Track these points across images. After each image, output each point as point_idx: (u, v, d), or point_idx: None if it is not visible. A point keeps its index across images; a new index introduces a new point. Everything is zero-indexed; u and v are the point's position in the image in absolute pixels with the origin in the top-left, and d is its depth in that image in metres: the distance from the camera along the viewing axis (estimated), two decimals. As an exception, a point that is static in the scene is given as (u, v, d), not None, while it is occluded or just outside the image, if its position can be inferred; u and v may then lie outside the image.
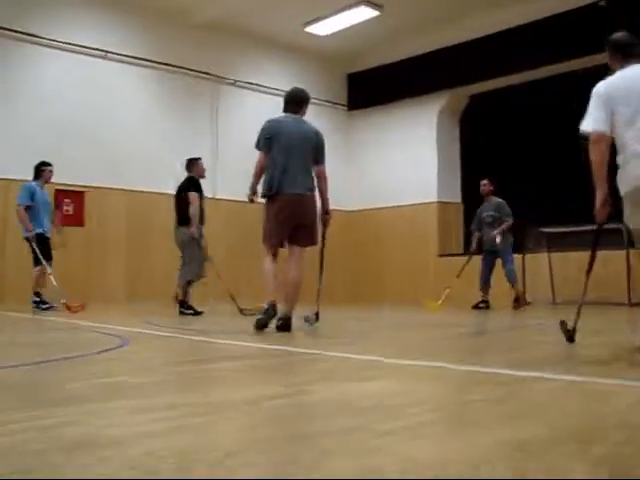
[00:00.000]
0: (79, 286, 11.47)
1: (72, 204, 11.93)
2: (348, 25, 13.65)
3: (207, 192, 13.19)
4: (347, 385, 2.82)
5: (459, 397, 2.59)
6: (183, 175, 12.71)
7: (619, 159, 4.11)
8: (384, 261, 14.68)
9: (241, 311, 8.43)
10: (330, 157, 15.13)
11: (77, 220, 11.94)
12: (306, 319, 6.07)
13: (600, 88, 4.19)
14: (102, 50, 12.36)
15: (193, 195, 8.98)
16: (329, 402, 2.36)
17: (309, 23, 13.77)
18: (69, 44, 12.03)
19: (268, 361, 3.90)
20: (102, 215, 12.25)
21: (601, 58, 11.39)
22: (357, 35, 14.28)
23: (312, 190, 5.99)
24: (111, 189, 12.31)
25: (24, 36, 11.58)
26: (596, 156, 4.10)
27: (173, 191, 13.16)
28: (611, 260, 10.90)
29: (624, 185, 4.11)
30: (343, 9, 13.05)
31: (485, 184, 10.71)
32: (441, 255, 13.78)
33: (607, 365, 3.53)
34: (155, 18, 13.04)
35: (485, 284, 10.44)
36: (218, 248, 13.42)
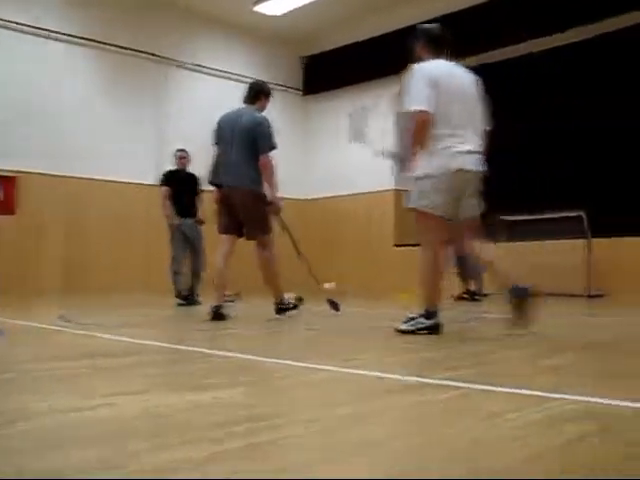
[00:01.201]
0: (11, 279, 10.74)
1: (1, 190, 11.14)
2: (301, 4, 13.01)
3: (152, 180, 12.56)
4: (174, 396, 2.23)
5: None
6: (125, 160, 11.92)
7: (430, 140, 4.15)
8: (340, 251, 14.10)
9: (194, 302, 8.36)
10: (285, 144, 14.51)
11: (7, 208, 11.16)
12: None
13: (426, 68, 4.25)
14: (33, 27, 11.54)
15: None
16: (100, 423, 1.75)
17: (259, 2, 13.10)
18: (3, 20, 11.23)
19: (128, 360, 3.33)
20: (37, 203, 11.46)
21: (550, 41, 11.41)
22: (312, 15, 13.65)
23: (254, 182, 5.94)
24: (47, 175, 11.53)
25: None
26: (419, 135, 4.15)
27: (114, 177, 12.58)
28: (573, 250, 10.47)
29: (432, 168, 4.14)
30: (295, -15, 12.43)
31: None
32: (397, 245, 13.24)
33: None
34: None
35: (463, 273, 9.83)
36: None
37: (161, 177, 8.84)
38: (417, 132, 4.15)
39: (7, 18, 11.27)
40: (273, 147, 5.97)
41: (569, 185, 10.91)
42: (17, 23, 11.36)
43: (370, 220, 13.75)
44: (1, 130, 11.01)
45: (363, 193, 13.79)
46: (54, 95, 11.73)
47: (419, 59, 4.41)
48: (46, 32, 11.64)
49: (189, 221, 8.54)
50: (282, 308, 6.12)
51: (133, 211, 12.49)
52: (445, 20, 12.30)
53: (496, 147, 12.25)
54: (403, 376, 2.63)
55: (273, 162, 6.00)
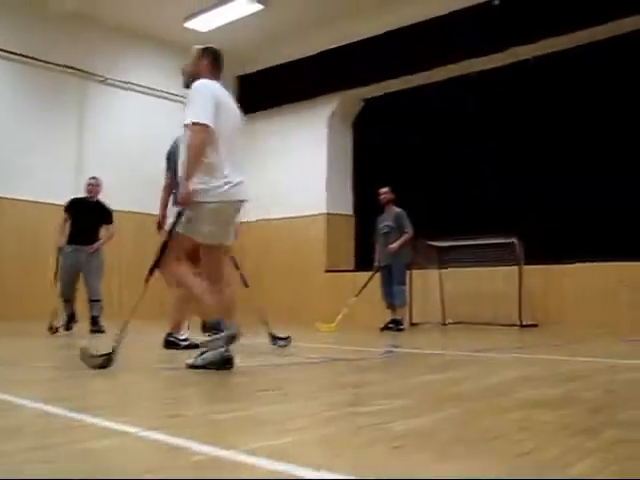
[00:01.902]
0: None
1: None
2: (229, 20, 12.54)
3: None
4: None
5: None
6: (42, 180, 11.18)
7: (206, 162, 3.89)
8: (270, 277, 13.51)
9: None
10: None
11: None
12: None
13: (212, 87, 4.03)
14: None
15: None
16: None
17: (189, 17, 12.59)
18: None
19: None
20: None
21: (502, 58, 11.19)
22: (243, 33, 13.20)
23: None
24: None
25: None
26: (199, 151, 3.83)
27: (28, 197, 11.85)
28: (507, 277, 10.11)
29: (208, 196, 3.88)
30: (224, 2, 11.96)
31: (385, 192, 9.70)
32: (328, 271, 12.75)
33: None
34: (13, 5, 11.59)
35: (392, 301, 9.31)
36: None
37: (66, 204, 8.64)
38: (198, 148, 3.83)
39: None
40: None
41: (501, 210, 10.60)
42: None
43: (302, 244, 13.23)
44: None
45: (297, 217, 13.25)
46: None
47: (196, 76, 4.11)
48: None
49: (83, 248, 8.30)
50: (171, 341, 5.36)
51: (47, 234, 11.75)
52: (379, 40, 12.09)
53: (426, 170, 12.31)
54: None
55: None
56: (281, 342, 5.61)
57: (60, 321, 8.03)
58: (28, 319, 10.48)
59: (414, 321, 10.57)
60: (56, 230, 8.44)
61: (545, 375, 3.62)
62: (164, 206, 5.75)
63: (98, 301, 8.27)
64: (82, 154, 12.35)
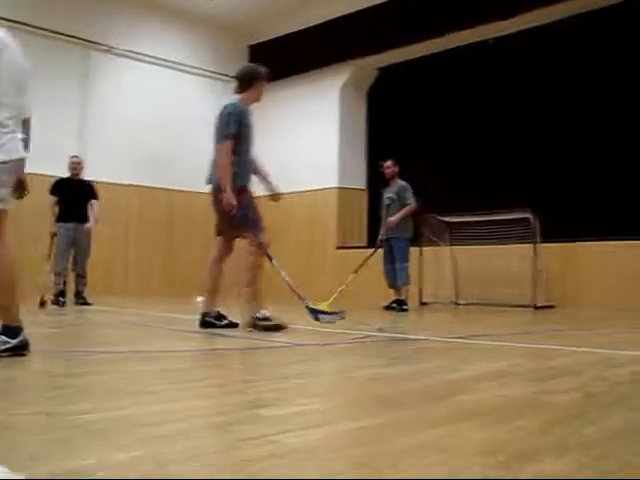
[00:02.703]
0: None
1: None
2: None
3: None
4: None
5: None
6: (42, 152, 10.85)
7: None
8: (280, 254, 13.03)
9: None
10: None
11: None
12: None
13: None
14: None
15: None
16: None
17: (200, -16, 12.14)
18: None
19: None
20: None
21: (517, 23, 10.51)
22: (253, 1, 12.70)
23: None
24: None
25: None
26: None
27: (28, 169, 11.49)
28: (521, 255, 9.53)
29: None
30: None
31: (389, 165, 9.16)
32: (340, 247, 12.26)
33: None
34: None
35: (393, 280, 8.83)
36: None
37: (50, 186, 8.90)
38: None
39: None
40: (226, 135, 5.26)
41: (517, 184, 10.00)
42: None
43: (312, 219, 12.76)
44: None
45: (308, 191, 12.74)
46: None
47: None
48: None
49: (75, 225, 8.67)
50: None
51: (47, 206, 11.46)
52: (392, 5, 11.48)
53: (440, 142, 11.71)
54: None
55: (224, 151, 5.29)
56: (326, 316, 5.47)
57: (50, 295, 8.30)
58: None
59: (424, 300, 10.07)
60: (49, 215, 8.68)
61: (524, 370, 3.12)
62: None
63: (84, 277, 8.77)
64: (85, 126, 11.99)
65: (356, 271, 8.60)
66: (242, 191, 5.21)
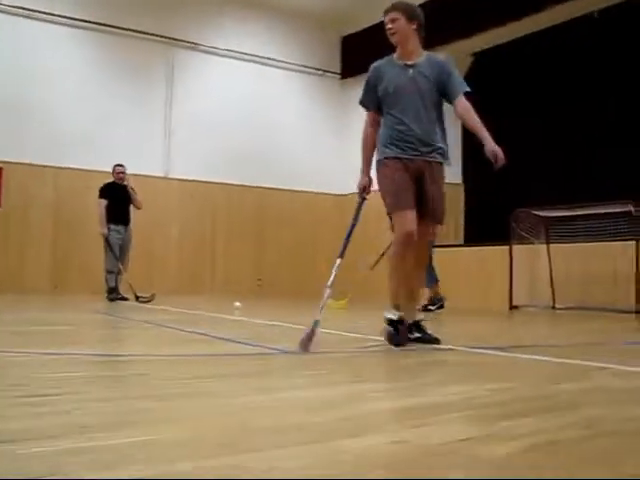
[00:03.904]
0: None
1: (-13, 182, 10.41)
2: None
3: (159, 172, 11.53)
4: None
5: None
6: (129, 150, 10.86)
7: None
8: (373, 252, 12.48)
9: (137, 298, 8.81)
10: (320, 133, 13.13)
11: (-7, 200, 10.43)
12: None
13: None
14: (25, 8, 10.72)
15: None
16: None
17: (281, -25, 11.77)
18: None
19: None
20: (25, 195, 10.63)
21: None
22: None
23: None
24: (36, 166, 10.68)
25: None
26: None
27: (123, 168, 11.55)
28: (623, 254, 8.42)
29: None
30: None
31: None
32: (434, 246, 11.42)
33: None
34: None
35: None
36: (170, 232, 11.74)
37: (100, 190, 9.34)
38: None
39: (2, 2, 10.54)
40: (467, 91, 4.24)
41: (615, 174, 8.85)
42: (11, 6, 10.60)
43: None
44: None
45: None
46: (46, 83, 10.85)
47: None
48: (49, 15, 10.83)
49: (123, 227, 9.27)
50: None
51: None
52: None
53: (537, 132, 10.67)
54: None
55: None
56: None
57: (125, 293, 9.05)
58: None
59: (515, 303, 9.14)
60: (101, 218, 9.12)
61: (496, 399, 2.37)
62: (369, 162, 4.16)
63: (122, 274, 9.27)
64: (171, 123, 11.93)
65: (372, 267, 8.05)
66: None
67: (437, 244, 11.38)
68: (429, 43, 11.75)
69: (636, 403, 2.31)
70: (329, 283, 3.91)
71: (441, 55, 4.34)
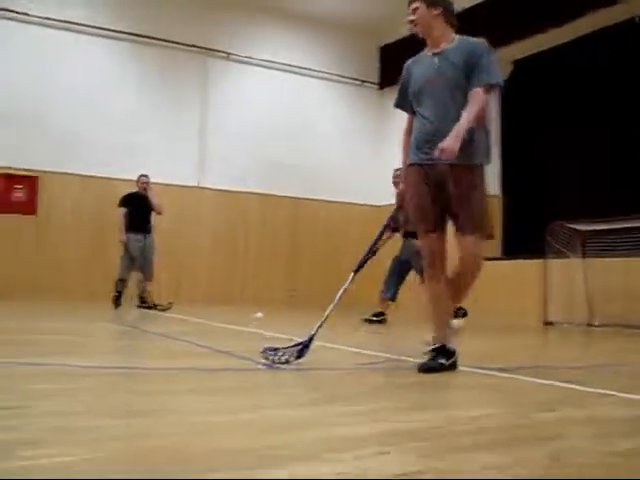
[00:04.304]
0: (27, 281, 10.18)
1: (23, 190, 10.53)
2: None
3: (192, 181, 11.57)
4: None
5: None
6: (162, 161, 10.81)
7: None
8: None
9: (155, 307, 9.07)
10: (357, 143, 12.99)
11: (28, 208, 10.53)
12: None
13: None
14: (63, 21, 10.87)
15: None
16: None
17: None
18: (18, 13, 10.62)
19: None
20: (60, 204, 10.75)
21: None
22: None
23: None
24: (72, 175, 10.80)
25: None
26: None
27: (150, 179, 11.61)
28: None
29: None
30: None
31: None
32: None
33: None
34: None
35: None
36: (202, 242, 11.72)
37: (120, 200, 9.50)
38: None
39: (36, 14, 10.70)
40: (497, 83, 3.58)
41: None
42: (45, 18, 10.77)
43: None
44: (26, 129, 10.44)
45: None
46: (85, 93, 10.98)
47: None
48: (85, 27, 10.98)
49: (143, 235, 9.35)
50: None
51: (167, 214, 11.49)
52: None
53: (578, 141, 10.33)
54: None
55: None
56: None
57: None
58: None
59: (550, 319, 8.81)
60: (120, 226, 9.25)
61: (474, 428, 2.18)
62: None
63: (150, 282, 9.39)
64: (205, 133, 11.95)
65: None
66: None
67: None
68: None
69: (624, 436, 2.10)
70: (337, 297, 3.76)
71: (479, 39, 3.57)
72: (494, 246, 11.52)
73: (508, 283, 10.22)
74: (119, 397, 2.56)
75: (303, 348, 3.54)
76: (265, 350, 3.48)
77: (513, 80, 11.66)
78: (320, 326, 3.66)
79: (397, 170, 7.71)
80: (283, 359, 3.44)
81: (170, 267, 11.21)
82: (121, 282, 9.26)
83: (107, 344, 4.70)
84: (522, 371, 3.52)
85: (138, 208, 9.38)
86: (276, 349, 3.48)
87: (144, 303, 9.21)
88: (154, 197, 9.40)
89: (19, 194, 10.47)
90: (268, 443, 1.83)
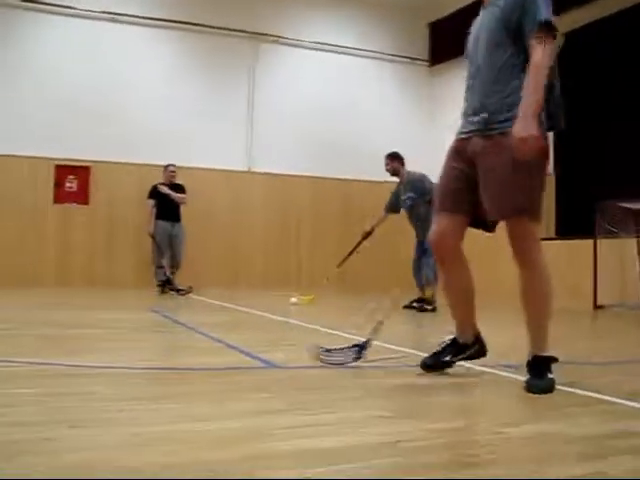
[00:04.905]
0: (79, 271, 10.50)
1: (76, 181, 10.81)
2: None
3: (242, 166, 11.65)
4: None
5: None
6: (212, 147, 11.50)
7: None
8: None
9: (178, 291, 9.36)
10: (408, 123, 12.77)
11: (81, 198, 10.82)
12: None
13: None
14: (110, 12, 11.04)
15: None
16: None
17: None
18: (70, 8, 10.83)
19: None
20: (111, 193, 10.99)
21: None
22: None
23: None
24: (124, 164, 11.01)
25: (20, 3, 10.56)
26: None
27: (200, 164, 11.76)
28: None
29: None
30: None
31: (387, 162, 8.35)
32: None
33: None
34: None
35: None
36: (255, 227, 11.79)
37: (149, 191, 9.99)
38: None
39: (85, 7, 10.90)
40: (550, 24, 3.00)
41: None
42: (101, 12, 10.97)
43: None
44: (78, 119, 10.69)
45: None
46: (134, 82, 11.15)
47: None
48: (133, 17, 11.13)
49: (172, 224, 9.91)
50: None
51: (219, 200, 11.64)
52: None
53: (622, 114, 9.85)
54: None
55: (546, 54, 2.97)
56: None
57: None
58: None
59: (601, 303, 8.52)
60: (148, 217, 9.86)
61: (423, 445, 2.10)
62: None
63: (178, 268, 9.92)
64: (255, 117, 11.99)
65: (339, 265, 8.66)
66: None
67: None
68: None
69: (582, 458, 1.99)
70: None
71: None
72: (549, 226, 11.20)
73: (560, 265, 9.92)
74: (84, 404, 2.55)
75: (360, 350, 3.44)
76: (318, 349, 3.39)
77: (564, 53, 11.22)
78: (376, 329, 3.55)
79: None
80: (338, 360, 3.39)
81: (226, 253, 11.41)
82: (159, 269, 9.74)
83: (118, 338, 4.73)
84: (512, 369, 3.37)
85: (167, 198, 9.84)
86: (330, 350, 3.42)
87: (170, 287, 9.55)
88: (177, 197, 9.89)
89: (72, 184, 10.74)
90: (204, 458, 1.82)
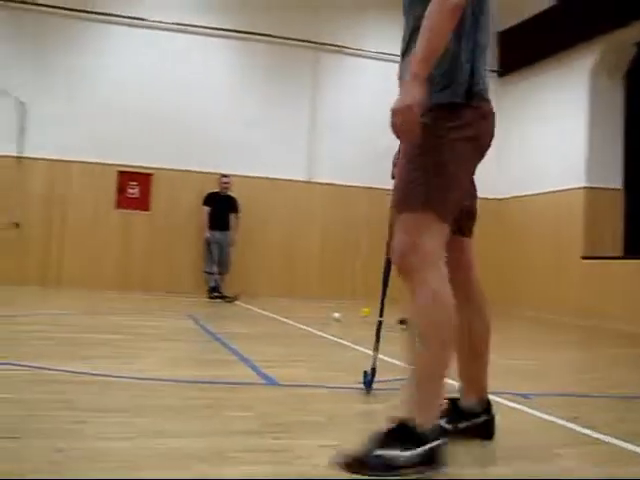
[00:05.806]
0: (139, 276, 10.72)
1: (138, 187, 11.03)
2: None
3: (302, 176, 11.67)
4: None
5: None
6: (273, 157, 11.61)
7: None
8: (520, 262, 11.71)
9: (224, 298, 9.76)
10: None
11: (142, 204, 11.03)
12: None
13: None
14: (179, 24, 11.24)
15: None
16: None
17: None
18: (139, 19, 11.07)
19: None
20: (172, 200, 11.16)
21: None
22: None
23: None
24: (185, 171, 11.17)
25: (89, 15, 10.87)
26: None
27: (260, 173, 11.82)
28: None
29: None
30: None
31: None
32: (586, 257, 10.44)
33: None
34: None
35: None
36: (313, 236, 11.75)
37: (204, 198, 10.61)
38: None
39: (149, 18, 11.13)
40: None
41: None
42: (164, 22, 11.19)
43: (553, 225, 11.13)
44: (142, 127, 10.92)
45: (544, 193, 11.25)
46: (199, 92, 11.30)
47: None
48: (186, 27, 11.30)
49: (221, 232, 10.43)
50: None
51: (278, 209, 11.65)
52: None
53: None
54: None
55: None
56: None
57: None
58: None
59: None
60: (203, 223, 10.44)
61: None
62: None
63: (224, 275, 10.46)
64: (316, 128, 11.96)
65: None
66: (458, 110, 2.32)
67: (589, 255, 10.44)
68: (586, 36, 10.73)
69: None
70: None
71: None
72: (615, 244, 10.71)
73: (627, 285, 9.46)
74: (55, 415, 2.55)
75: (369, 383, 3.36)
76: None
77: (638, 62, 10.74)
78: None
79: None
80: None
81: (283, 263, 11.43)
82: (209, 275, 10.27)
83: (148, 345, 4.76)
84: (544, 398, 3.18)
85: (219, 207, 10.43)
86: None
87: (218, 293, 9.97)
88: (234, 220, 10.58)
89: (134, 190, 10.97)
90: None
